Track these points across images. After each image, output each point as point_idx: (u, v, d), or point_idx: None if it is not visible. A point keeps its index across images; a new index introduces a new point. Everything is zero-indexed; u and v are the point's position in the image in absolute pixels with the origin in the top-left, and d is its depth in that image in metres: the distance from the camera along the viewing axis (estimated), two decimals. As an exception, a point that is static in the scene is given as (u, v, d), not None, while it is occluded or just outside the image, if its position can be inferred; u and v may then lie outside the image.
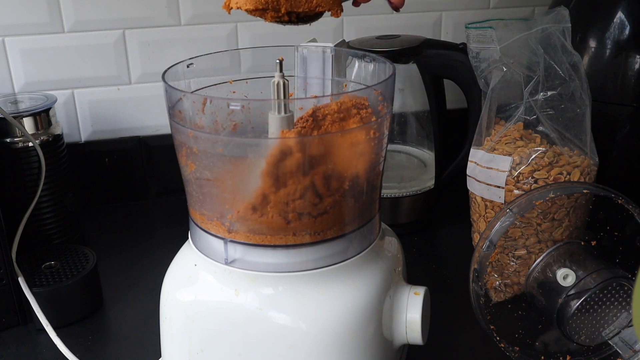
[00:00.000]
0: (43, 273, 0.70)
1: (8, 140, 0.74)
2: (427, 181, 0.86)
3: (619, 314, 0.57)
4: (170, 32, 0.91)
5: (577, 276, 0.58)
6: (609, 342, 0.58)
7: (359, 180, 0.51)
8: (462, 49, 0.78)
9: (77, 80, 0.90)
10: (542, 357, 0.61)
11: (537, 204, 0.61)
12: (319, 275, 0.50)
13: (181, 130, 0.50)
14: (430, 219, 0.88)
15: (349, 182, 0.49)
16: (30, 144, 0.75)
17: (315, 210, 0.48)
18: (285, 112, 0.49)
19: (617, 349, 0.58)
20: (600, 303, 0.57)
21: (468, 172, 0.73)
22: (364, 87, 0.59)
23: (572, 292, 0.58)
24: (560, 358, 0.61)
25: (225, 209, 0.50)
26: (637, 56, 0.76)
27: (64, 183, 0.79)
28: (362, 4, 0.58)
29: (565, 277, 0.59)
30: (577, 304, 0.56)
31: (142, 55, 0.91)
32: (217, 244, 0.51)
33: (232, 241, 0.50)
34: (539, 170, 0.66)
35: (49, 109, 0.77)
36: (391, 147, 0.89)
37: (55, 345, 0.63)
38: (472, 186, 0.72)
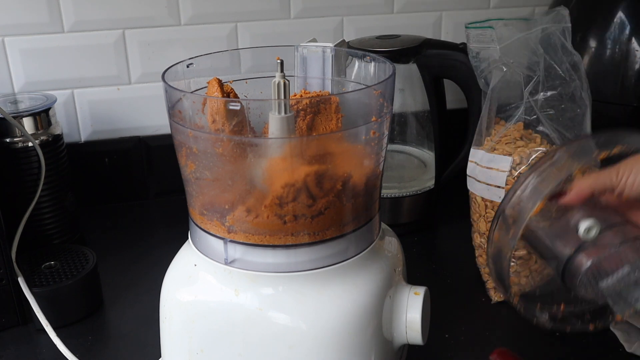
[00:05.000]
0: (43, 273, 0.70)
1: (8, 140, 0.74)
2: (427, 181, 0.86)
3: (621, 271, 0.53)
4: (170, 32, 0.91)
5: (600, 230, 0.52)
6: (607, 297, 0.55)
7: (359, 180, 0.50)
8: (462, 49, 0.78)
9: (77, 80, 0.90)
10: (539, 304, 0.59)
11: (537, 203, 0.61)
12: (319, 275, 0.50)
13: (181, 130, 0.50)
14: (430, 219, 0.88)
15: (350, 183, 0.49)
16: (30, 144, 0.74)
17: (314, 211, 0.48)
18: (286, 112, 0.49)
19: (614, 304, 0.54)
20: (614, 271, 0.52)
21: (468, 172, 0.73)
22: (364, 87, 0.59)
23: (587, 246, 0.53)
24: (555, 305, 0.60)
25: (225, 209, 0.50)
26: (637, 56, 0.76)
27: (63, 183, 0.79)
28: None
29: (589, 230, 0.53)
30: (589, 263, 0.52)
31: (142, 55, 0.91)
32: (217, 244, 0.51)
33: (231, 241, 0.50)
34: (539, 170, 0.66)
35: (49, 109, 0.77)
36: (391, 147, 0.89)
37: (55, 345, 0.63)
38: (472, 186, 0.72)
